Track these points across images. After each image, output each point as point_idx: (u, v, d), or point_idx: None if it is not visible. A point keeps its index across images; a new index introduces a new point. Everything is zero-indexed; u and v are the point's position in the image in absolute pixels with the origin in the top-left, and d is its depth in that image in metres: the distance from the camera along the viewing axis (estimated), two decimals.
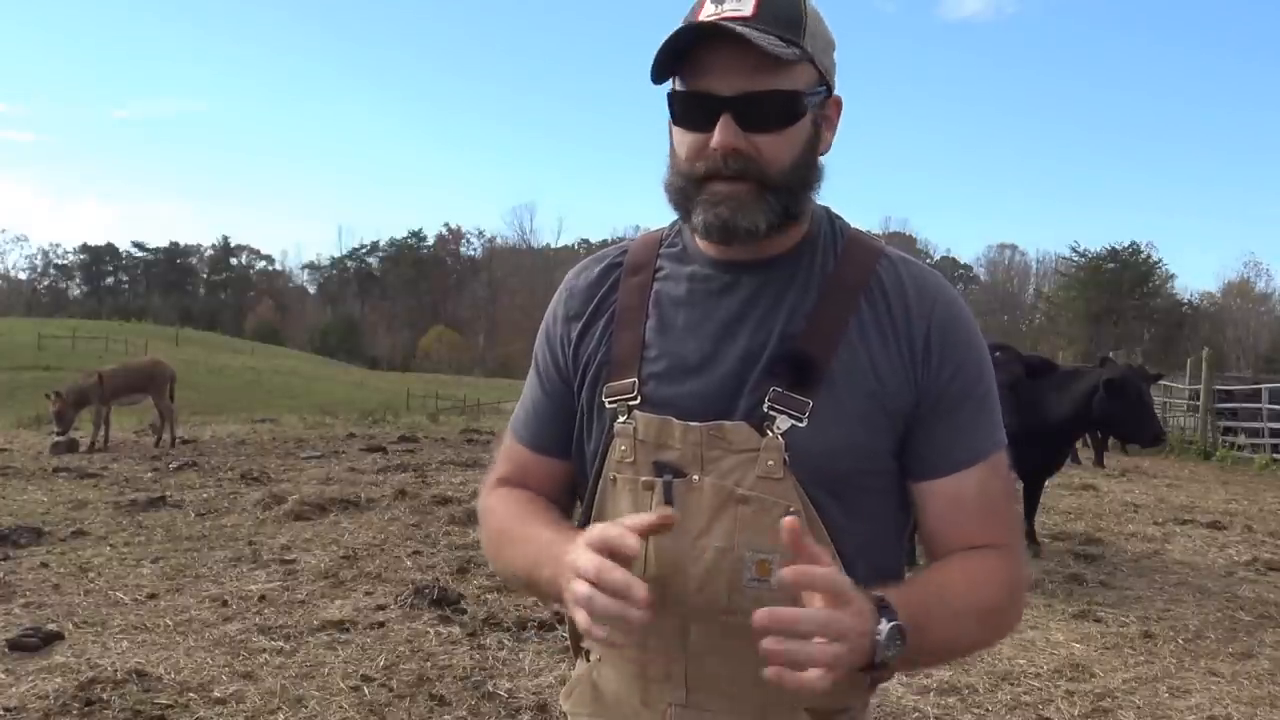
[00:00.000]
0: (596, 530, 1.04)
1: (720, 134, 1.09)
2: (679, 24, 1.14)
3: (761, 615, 0.94)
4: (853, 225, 1.24)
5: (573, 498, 1.33)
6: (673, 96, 1.14)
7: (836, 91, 1.18)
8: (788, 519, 0.99)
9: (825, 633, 0.94)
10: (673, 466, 1.14)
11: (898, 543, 1.23)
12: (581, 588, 1.00)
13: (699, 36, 1.08)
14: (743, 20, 1.07)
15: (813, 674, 0.93)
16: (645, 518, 1.05)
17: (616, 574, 0.98)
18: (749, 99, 1.08)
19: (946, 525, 1.17)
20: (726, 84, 1.08)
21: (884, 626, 0.99)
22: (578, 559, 1.02)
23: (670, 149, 1.17)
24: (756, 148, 1.10)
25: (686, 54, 1.10)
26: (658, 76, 1.12)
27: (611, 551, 1.00)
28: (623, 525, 1.03)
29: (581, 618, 1.00)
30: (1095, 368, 7.23)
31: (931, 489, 1.17)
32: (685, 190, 1.14)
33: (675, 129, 1.15)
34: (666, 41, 1.09)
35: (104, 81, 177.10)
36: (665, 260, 1.25)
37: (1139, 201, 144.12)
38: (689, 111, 1.12)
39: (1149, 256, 64.94)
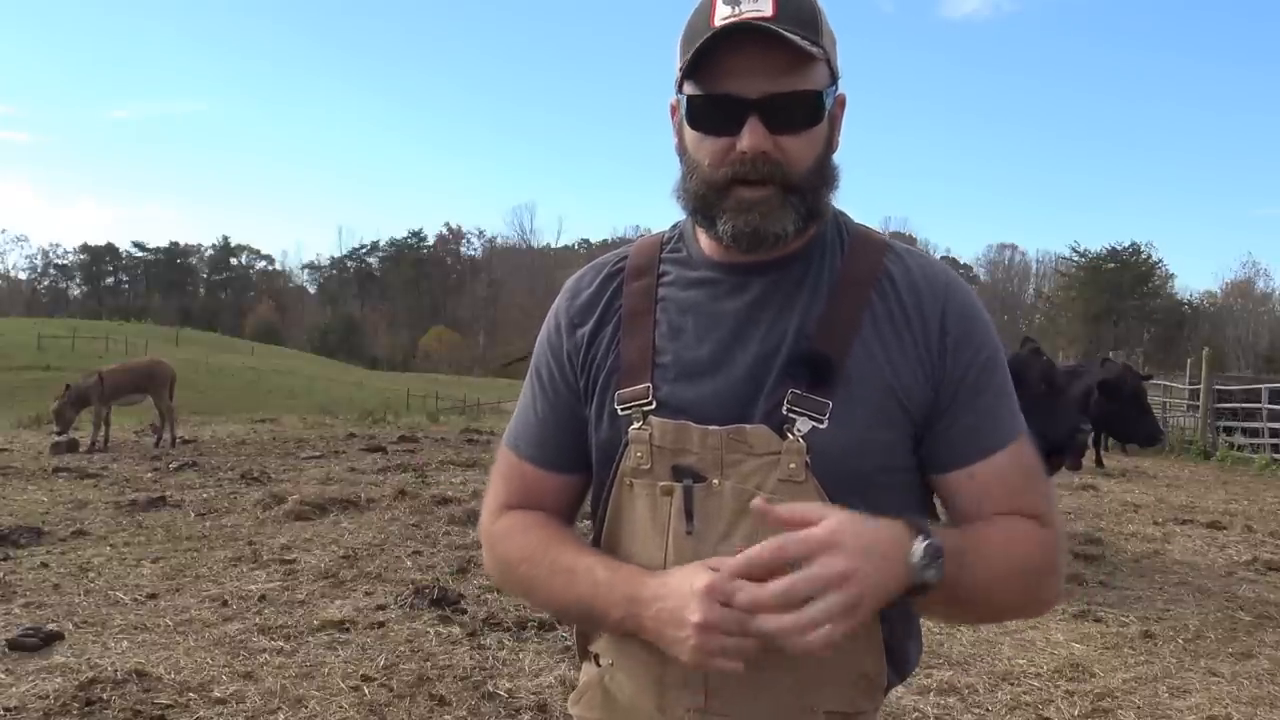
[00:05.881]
0: (704, 573, 1.01)
1: (750, 137, 1.06)
2: (684, 26, 1.11)
3: (743, 599, 0.96)
4: (857, 222, 1.22)
5: (578, 513, 1.31)
6: (691, 100, 1.10)
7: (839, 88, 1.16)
8: (756, 501, 1.00)
9: (816, 588, 0.94)
10: (692, 471, 1.12)
11: None
12: (706, 632, 0.99)
13: (730, 36, 1.04)
14: (765, 20, 1.04)
15: (822, 633, 0.93)
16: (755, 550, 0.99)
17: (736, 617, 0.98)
18: (776, 100, 1.06)
19: (983, 511, 1.15)
20: (751, 86, 1.06)
21: (919, 545, 0.99)
22: (692, 607, 1.00)
23: (684, 154, 1.14)
24: (782, 150, 1.08)
25: (705, 56, 1.06)
26: (687, 81, 1.09)
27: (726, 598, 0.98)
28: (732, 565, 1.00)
29: (697, 657, 1.00)
30: (1094, 368, 7.22)
31: (961, 478, 1.15)
32: (707, 197, 1.11)
33: (692, 133, 1.11)
34: (702, 44, 1.05)
35: (104, 82, 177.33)
36: (669, 264, 1.22)
37: (1139, 202, 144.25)
38: (711, 115, 1.09)
39: (1149, 257, 65.13)
